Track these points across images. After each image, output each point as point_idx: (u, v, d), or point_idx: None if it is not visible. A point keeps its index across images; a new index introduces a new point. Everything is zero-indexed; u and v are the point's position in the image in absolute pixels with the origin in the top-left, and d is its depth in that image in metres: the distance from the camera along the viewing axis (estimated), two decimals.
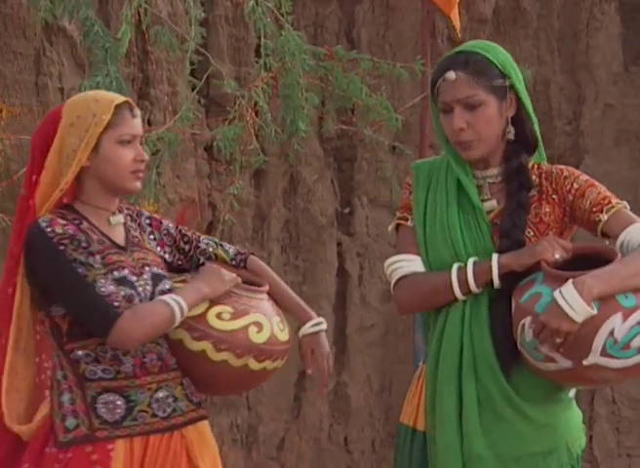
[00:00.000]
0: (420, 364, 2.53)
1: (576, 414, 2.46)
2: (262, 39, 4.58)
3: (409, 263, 2.44)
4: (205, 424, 2.39)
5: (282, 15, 4.60)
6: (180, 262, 2.49)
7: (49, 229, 2.26)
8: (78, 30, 4.77)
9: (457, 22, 4.95)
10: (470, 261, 2.37)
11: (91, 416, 2.26)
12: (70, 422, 2.27)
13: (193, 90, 4.89)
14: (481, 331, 2.37)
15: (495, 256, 2.36)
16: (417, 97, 5.26)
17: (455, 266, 2.38)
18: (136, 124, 2.34)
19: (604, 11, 5.85)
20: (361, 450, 5.52)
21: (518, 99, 2.42)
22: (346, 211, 5.67)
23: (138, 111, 2.36)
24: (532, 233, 2.40)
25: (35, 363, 2.34)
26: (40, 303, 2.31)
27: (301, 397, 5.43)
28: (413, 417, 2.46)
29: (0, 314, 2.34)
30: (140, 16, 4.53)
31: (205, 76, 4.99)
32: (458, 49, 2.46)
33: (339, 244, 5.58)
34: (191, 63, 4.62)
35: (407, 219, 2.48)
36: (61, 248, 2.25)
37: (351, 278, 5.55)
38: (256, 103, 4.74)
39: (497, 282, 2.35)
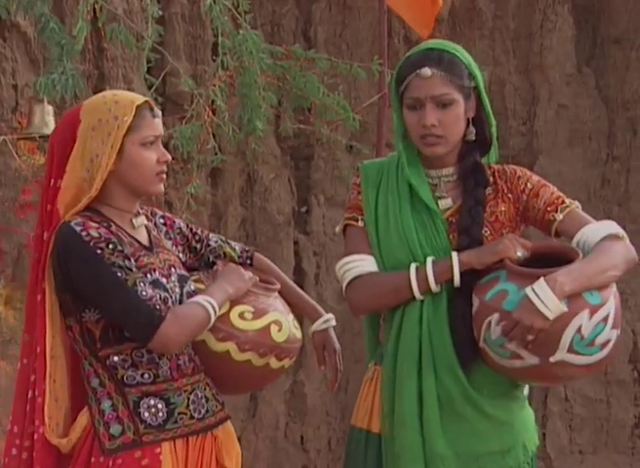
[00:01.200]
0: (371, 365, 2.51)
1: (530, 413, 2.48)
2: (220, 37, 4.56)
3: (362, 263, 2.42)
4: (230, 424, 2.38)
5: (239, 13, 4.59)
6: (190, 261, 2.46)
7: (84, 233, 2.20)
8: (32, 26, 4.73)
9: (426, 31, 4.92)
10: (429, 260, 2.37)
11: (136, 421, 2.23)
12: (115, 429, 2.23)
13: (150, 88, 4.87)
14: (440, 329, 2.37)
15: (455, 254, 2.35)
16: (374, 97, 5.27)
17: (413, 265, 2.37)
18: (157, 124, 2.29)
19: (557, 12, 5.92)
20: (317, 449, 5.53)
21: (479, 100, 2.43)
22: (303, 209, 5.67)
23: (158, 111, 2.31)
24: (488, 231, 2.41)
25: (68, 371, 2.28)
26: (71, 309, 2.25)
27: (258, 396, 5.43)
28: (367, 419, 2.44)
29: (32, 322, 2.28)
30: (95, 12, 4.49)
31: (162, 74, 4.97)
32: (427, 46, 2.44)
33: (295, 243, 5.58)
34: (148, 61, 4.60)
35: (357, 220, 2.46)
36: (99, 251, 2.19)
37: (308, 277, 5.56)
38: (213, 102, 4.73)
39: (457, 280, 2.35)
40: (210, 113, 4.76)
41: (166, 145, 5.21)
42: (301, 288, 5.49)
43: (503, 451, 2.38)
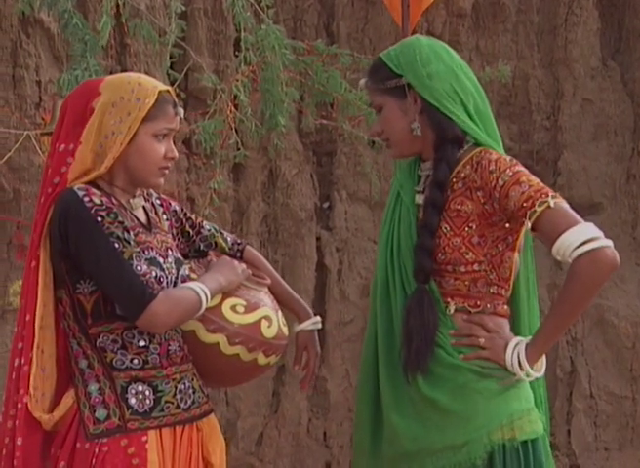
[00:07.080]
0: None
1: (501, 404, 2.33)
2: (242, 33, 4.56)
3: None
4: (214, 417, 2.37)
5: (262, 8, 4.58)
6: (182, 246, 2.44)
7: (86, 198, 2.18)
8: (55, 22, 4.74)
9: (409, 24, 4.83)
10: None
11: (122, 407, 2.20)
12: (101, 413, 2.19)
13: (172, 83, 4.87)
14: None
15: None
16: None
17: None
18: (174, 118, 2.28)
19: (582, 6, 5.87)
20: (340, 445, 5.52)
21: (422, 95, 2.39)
22: (325, 205, 5.66)
23: (180, 109, 2.30)
24: (448, 228, 2.36)
25: (56, 345, 2.24)
26: (64, 280, 2.21)
27: (280, 392, 5.43)
28: None
29: (26, 289, 2.23)
30: (118, 8, 4.50)
31: (185, 70, 4.97)
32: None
33: (318, 238, 5.58)
34: (170, 57, 4.60)
35: None
36: (100, 219, 2.17)
37: (330, 273, 5.55)
38: (235, 97, 4.72)
39: None
40: (232, 108, 4.75)
41: (189, 141, 5.24)
42: (323, 284, 5.53)
43: (456, 446, 2.30)
